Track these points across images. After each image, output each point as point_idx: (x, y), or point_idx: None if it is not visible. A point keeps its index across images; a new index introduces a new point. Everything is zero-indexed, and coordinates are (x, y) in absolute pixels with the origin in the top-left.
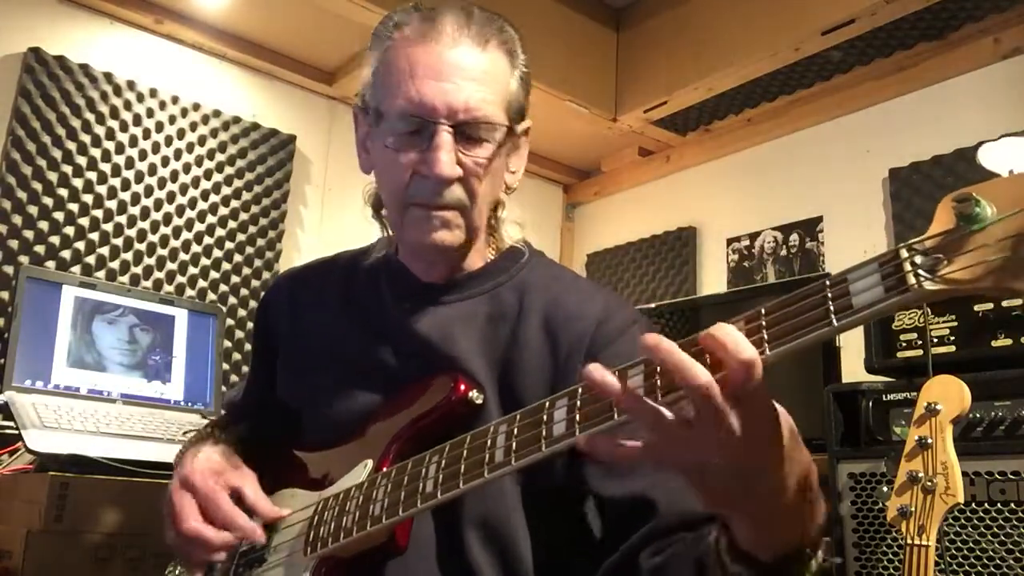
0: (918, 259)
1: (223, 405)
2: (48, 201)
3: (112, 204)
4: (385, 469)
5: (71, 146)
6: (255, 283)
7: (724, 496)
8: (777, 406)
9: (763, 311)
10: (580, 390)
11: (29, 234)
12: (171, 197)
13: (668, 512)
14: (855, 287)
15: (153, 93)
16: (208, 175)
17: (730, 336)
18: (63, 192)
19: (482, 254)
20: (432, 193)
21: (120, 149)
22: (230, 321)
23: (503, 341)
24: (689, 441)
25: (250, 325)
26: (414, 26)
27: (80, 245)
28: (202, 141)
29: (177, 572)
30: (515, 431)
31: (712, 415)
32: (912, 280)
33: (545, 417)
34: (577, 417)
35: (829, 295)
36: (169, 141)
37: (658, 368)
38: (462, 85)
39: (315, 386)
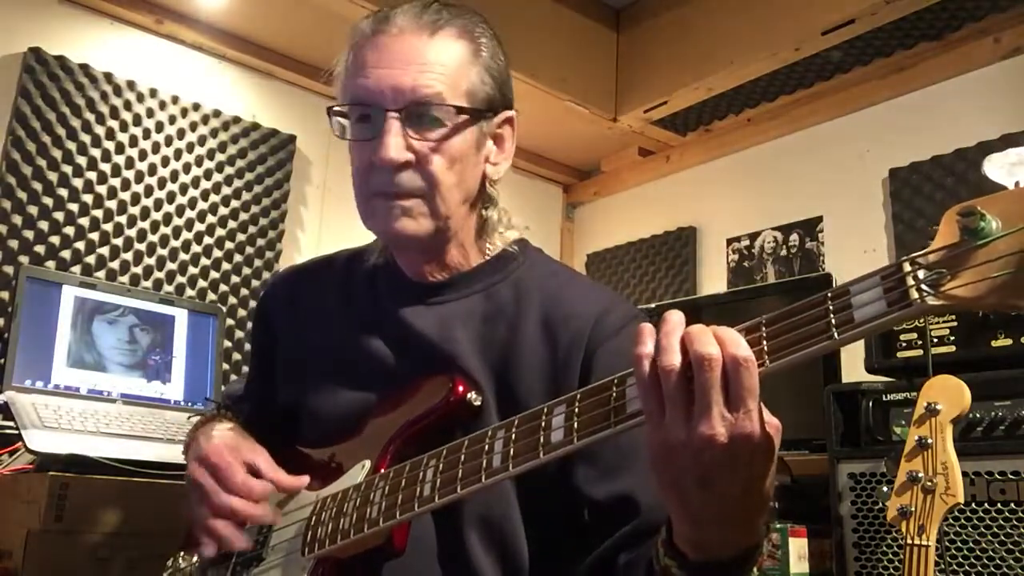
0: (921, 273)
1: (223, 397)
2: (48, 201)
3: (112, 204)
4: (383, 471)
5: (71, 146)
6: (255, 283)
7: (682, 495)
8: (772, 427)
9: (763, 322)
10: (579, 396)
11: (29, 234)
12: (171, 197)
13: (651, 513)
14: (857, 300)
15: (153, 93)
16: (208, 175)
17: (728, 333)
18: (63, 192)
19: (475, 252)
20: (388, 182)
21: (120, 149)
22: (230, 321)
23: (501, 339)
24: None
25: (251, 325)
26: (370, 26)
27: (80, 245)
28: (202, 141)
29: (181, 565)
30: (513, 437)
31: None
32: (915, 295)
33: (543, 424)
34: (575, 425)
35: (831, 307)
36: (169, 141)
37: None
38: (407, 70)
39: (313, 384)
